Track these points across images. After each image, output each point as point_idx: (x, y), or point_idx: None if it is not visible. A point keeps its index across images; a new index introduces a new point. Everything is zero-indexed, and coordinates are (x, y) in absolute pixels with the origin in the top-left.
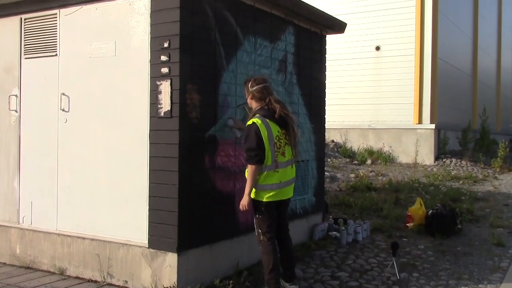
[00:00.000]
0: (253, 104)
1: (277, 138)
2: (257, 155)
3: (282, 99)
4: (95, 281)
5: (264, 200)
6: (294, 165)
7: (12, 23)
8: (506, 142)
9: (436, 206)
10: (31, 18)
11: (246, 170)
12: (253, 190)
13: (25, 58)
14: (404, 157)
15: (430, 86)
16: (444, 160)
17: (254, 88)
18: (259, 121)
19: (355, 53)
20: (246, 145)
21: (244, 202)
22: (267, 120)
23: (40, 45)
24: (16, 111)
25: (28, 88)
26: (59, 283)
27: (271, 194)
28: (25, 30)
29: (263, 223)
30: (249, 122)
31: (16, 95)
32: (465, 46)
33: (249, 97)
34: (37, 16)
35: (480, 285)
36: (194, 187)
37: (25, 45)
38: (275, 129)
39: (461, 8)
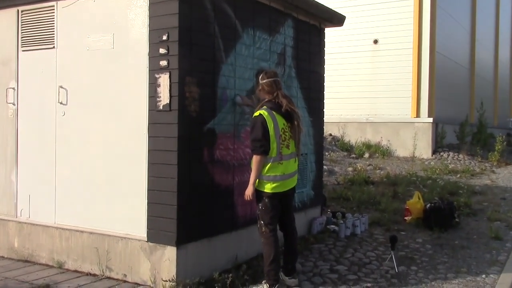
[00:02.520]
0: (262, 96)
1: (282, 130)
2: (262, 146)
3: None
4: (94, 275)
5: (269, 191)
6: (296, 158)
7: (9, 15)
8: (503, 136)
9: (434, 200)
10: (28, 10)
11: (252, 160)
12: (257, 180)
13: (23, 51)
14: (401, 151)
15: (428, 79)
16: (441, 153)
17: (264, 81)
18: (266, 113)
19: (353, 47)
20: (252, 135)
21: (248, 192)
22: (274, 112)
23: (38, 38)
24: (14, 104)
25: (26, 80)
26: (57, 276)
27: (274, 185)
28: (22, 22)
29: (266, 214)
30: (256, 114)
31: (13, 88)
32: (463, 40)
33: (259, 89)
34: (34, 8)
35: (478, 278)
36: (193, 180)
37: (22, 37)
38: (281, 121)
39: (459, 1)
